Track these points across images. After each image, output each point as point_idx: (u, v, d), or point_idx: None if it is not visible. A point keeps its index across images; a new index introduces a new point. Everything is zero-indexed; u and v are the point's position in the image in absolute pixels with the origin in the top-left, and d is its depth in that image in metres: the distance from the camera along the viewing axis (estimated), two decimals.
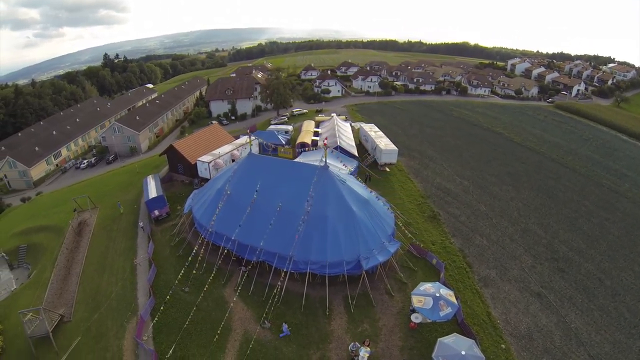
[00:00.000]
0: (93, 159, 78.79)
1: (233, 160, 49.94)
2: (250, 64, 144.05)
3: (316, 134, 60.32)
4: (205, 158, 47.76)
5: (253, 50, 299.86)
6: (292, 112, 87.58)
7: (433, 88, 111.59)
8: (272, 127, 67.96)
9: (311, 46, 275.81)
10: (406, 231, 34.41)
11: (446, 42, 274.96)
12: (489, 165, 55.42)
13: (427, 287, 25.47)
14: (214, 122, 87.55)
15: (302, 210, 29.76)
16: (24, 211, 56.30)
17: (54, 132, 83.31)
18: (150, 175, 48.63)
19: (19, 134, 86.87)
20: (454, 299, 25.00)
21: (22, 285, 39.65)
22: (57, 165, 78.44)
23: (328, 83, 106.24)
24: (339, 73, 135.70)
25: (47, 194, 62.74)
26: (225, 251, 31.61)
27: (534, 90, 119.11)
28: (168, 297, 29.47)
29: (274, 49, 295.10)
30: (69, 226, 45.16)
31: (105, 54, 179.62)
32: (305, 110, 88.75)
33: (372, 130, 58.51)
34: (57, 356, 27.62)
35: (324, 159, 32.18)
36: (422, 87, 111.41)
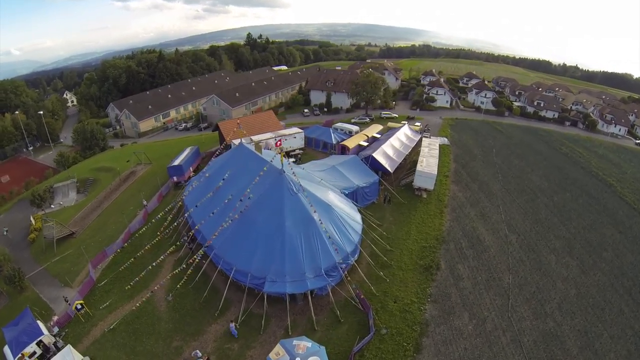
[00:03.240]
0: (189, 123, 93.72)
1: (269, 148, 52.61)
2: (369, 61, 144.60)
3: (374, 139, 57.69)
4: (238, 141, 51.40)
5: (404, 50, 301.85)
6: (381, 114, 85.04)
7: (556, 116, 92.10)
8: (338, 124, 67.67)
9: (458, 54, 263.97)
10: (362, 273, 29.71)
11: (605, 70, 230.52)
12: (565, 223, 42.91)
13: (301, 344, 21.54)
14: (306, 110, 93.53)
15: (239, 206, 29.97)
16: (112, 154, 72.27)
17: (169, 96, 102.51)
18: (190, 147, 55.31)
19: (147, 92, 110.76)
20: None
21: (73, 204, 52.87)
22: (163, 123, 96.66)
23: (437, 91, 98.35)
24: (461, 84, 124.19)
25: (135, 145, 78.38)
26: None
27: None
28: (126, 244, 37.02)
29: (425, 51, 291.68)
30: (120, 173, 56.48)
31: (249, 33, 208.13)
32: (395, 115, 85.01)
33: (427, 146, 52.68)
34: (54, 256, 38.92)
35: (281, 163, 30.65)
36: (542, 113, 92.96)
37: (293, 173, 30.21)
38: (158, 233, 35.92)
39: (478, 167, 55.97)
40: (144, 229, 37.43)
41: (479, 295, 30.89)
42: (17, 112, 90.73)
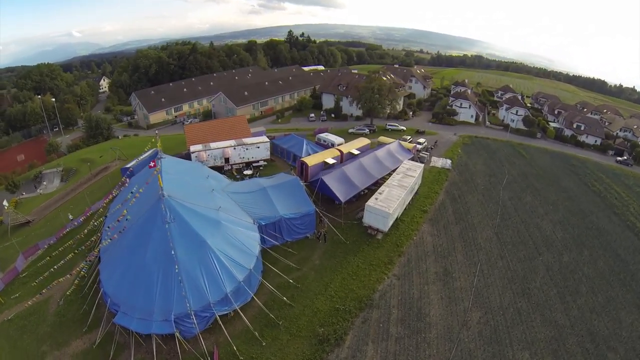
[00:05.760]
0: (197, 119, 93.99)
1: (227, 159, 49.85)
2: (397, 66, 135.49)
3: (350, 156, 51.55)
4: (197, 147, 49.43)
5: (454, 59, 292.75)
6: (386, 125, 78.55)
7: (598, 143, 77.75)
8: (323, 134, 62.97)
9: (507, 67, 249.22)
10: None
11: None
12: (566, 300, 30.79)
13: None
14: (312, 115, 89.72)
15: (117, 226, 28.29)
16: (105, 145, 73.64)
17: (185, 90, 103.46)
18: (152, 148, 53.77)
19: (170, 84, 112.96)
20: None
21: (50, 192, 54.65)
22: (175, 116, 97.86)
23: (461, 104, 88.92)
24: (495, 97, 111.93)
25: (132, 138, 79.55)
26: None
27: None
28: (52, 242, 36.53)
29: (475, 62, 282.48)
30: (95, 167, 57.37)
31: (290, 31, 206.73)
32: (402, 127, 77.86)
33: (401, 172, 44.67)
34: (7, 241, 40.26)
35: (160, 186, 27.43)
36: (581, 138, 79.28)
37: (165, 196, 26.92)
38: (79, 236, 34.16)
39: (473, 202, 46.04)
40: (68, 229, 37.76)
41: None
42: (39, 97, 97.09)
